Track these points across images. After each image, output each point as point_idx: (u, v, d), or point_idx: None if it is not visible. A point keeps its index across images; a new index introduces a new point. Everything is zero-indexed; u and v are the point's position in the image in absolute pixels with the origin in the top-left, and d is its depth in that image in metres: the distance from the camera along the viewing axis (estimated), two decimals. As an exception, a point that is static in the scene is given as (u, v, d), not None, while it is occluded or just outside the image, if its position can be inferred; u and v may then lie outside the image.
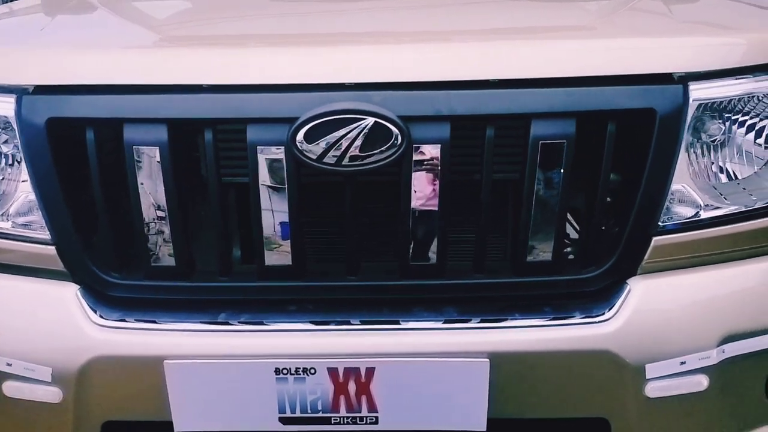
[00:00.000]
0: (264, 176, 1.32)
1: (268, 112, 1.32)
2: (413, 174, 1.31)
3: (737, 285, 1.39)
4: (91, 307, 1.39)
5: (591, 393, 1.35)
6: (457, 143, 1.34)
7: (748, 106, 1.41)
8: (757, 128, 1.41)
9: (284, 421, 1.37)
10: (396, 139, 1.29)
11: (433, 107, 1.31)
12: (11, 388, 1.38)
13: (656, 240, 1.36)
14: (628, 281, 1.38)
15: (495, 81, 1.32)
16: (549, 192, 1.33)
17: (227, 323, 1.37)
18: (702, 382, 1.34)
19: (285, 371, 1.32)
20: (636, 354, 1.32)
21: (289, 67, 1.33)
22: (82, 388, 1.35)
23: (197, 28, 1.81)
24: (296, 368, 1.32)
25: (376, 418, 1.36)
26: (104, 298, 1.41)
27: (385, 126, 1.29)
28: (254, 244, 1.36)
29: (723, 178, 1.42)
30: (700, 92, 1.34)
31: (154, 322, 1.38)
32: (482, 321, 1.34)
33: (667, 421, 1.38)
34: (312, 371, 1.32)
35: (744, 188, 1.42)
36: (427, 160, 1.31)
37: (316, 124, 1.29)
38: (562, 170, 1.32)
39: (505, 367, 1.33)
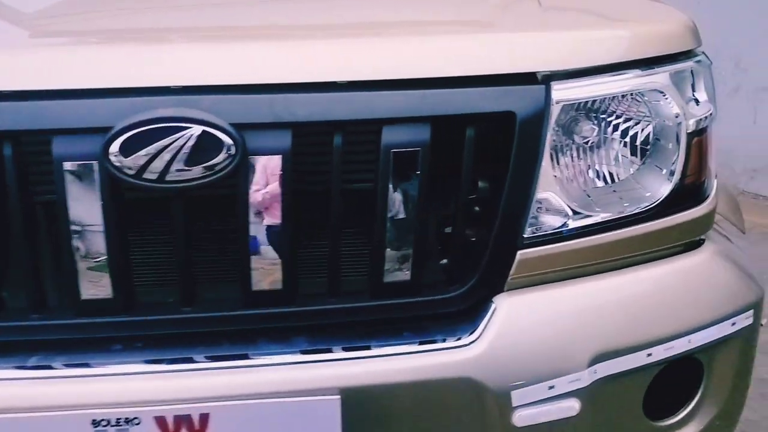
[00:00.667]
0: (74, 195, 1.14)
1: (76, 121, 1.13)
2: (251, 188, 1.16)
3: (610, 298, 1.30)
4: None
5: (455, 425, 1.24)
6: (304, 151, 1.21)
7: (620, 106, 1.33)
8: (629, 129, 1.34)
9: (110, 478, 1.19)
10: (229, 149, 1.14)
11: (272, 113, 1.15)
12: None
13: (522, 253, 1.26)
14: (494, 299, 1.27)
15: (343, 83, 1.18)
16: (404, 205, 1.21)
17: (38, 368, 1.17)
18: (573, 406, 1.24)
19: (104, 423, 1.14)
20: (501, 380, 1.21)
21: (102, 69, 1.15)
22: None
23: None
24: (117, 419, 1.13)
25: (217, 466, 1.20)
26: None
27: (215, 135, 1.14)
28: (66, 275, 1.17)
29: (597, 183, 1.33)
30: (563, 93, 1.24)
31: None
32: (332, 352, 1.20)
33: (540, 450, 1.29)
34: (135, 421, 1.14)
35: (617, 194, 1.35)
36: (267, 172, 1.17)
37: (133, 135, 1.11)
38: (417, 181, 1.21)
39: (358, 403, 1.18)
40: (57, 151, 1.12)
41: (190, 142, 1.12)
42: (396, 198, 1.20)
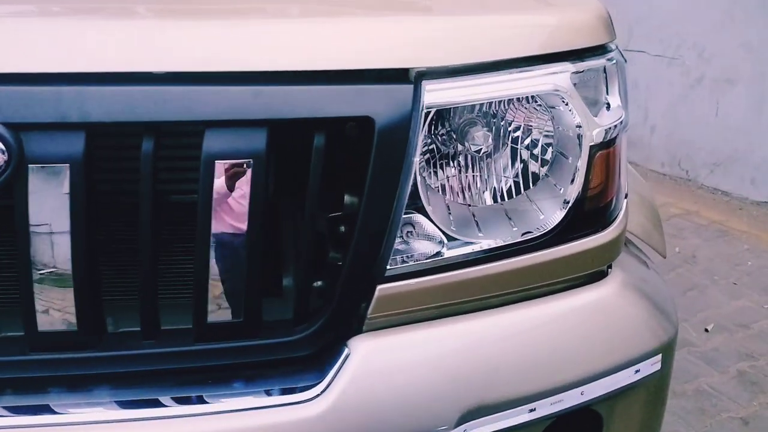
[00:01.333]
0: None
1: None
2: (31, 204, 0.93)
3: (488, 342, 1.08)
4: None
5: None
6: (106, 158, 0.98)
7: (509, 112, 1.11)
8: (521, 140, 1.13)
9: None
10: (2, 154, 0.91)
11: (58, 111, 0.92)
12: None
13: (383, 288, 1.03)
14: (350, 342, 1.05)
15: (152, 75, 0.94)
16: (232, 228, 0.99)
17: None
18: (439, 472, 1.06)
19: None
20: (349, 443, 1.01)
21: None
22: None
23: None
24: None
25: None
26: None
27: (-21, 137, 0.90)
28: None
29: (481, 203, 1.12)
30: (437, 95, 1.01)
31: None
32: (132, 409, 0.97)
33: None
34: None
35: (505, 217, 1.14)
36: (52, 185, 0.93)
37: None
38: (247, 199, 0.98)
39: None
40: None
41: (-54, 145, 0.89)
42: (222, 219, 0.98)
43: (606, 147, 1.13)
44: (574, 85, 1.09)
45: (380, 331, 1.06)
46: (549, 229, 1.10)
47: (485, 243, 1.08)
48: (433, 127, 1.04)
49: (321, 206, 1.03)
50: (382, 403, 1.02)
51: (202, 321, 1.00)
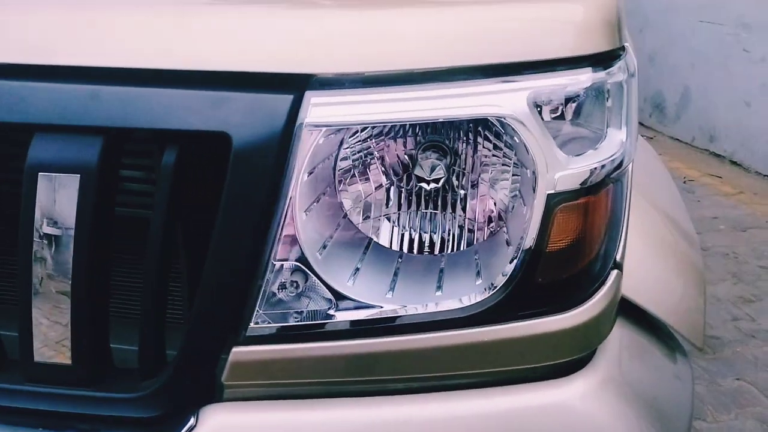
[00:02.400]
0: None
1: None
2: None
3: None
4: None
5: None
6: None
7: (444, 138, 0.84)
8: (461, 178, 0.85)
9: None
10: None
11: None
12: None
13: (241, 352, 0.80)
14: (203, 411, 0.83)
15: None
16: (57, 253, 0.82)
17: None
18: None
19: None
20: None
21: None
22: None
23: None
24: None
25: None
26: None
27: None
28: None
29: (390, 255, 0.86)
30: (326, 110, 0.76)
31: None
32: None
33: None
34: None
35: (432, 277, 0.86)
36: None
37: None
38: (76, 225, 0.80)
39: None
40: None
41: None
42: (44, 241, 0.80)
43: (580, 197, 0.81)
44: (537, 108, 0.79)
45: (245, 403, 0.84)
46: (481, 300, 0.81)
47: (391, 308, 0.82)
48: (318, 152, 0.80)
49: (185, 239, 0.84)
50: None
51: (29, 358, 0.84)
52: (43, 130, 0.77)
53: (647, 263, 1.03)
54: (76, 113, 0.77)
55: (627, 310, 1.00)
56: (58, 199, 0.78)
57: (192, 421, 0.82)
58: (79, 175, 0.77)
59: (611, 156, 0.83)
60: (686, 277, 1.08)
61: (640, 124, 5.62)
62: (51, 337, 0.83)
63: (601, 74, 0.82)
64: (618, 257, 0.88)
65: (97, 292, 0.81)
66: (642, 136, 1.65)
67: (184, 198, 0.80)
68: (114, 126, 0.77)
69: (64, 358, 0.83)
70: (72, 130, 0.77)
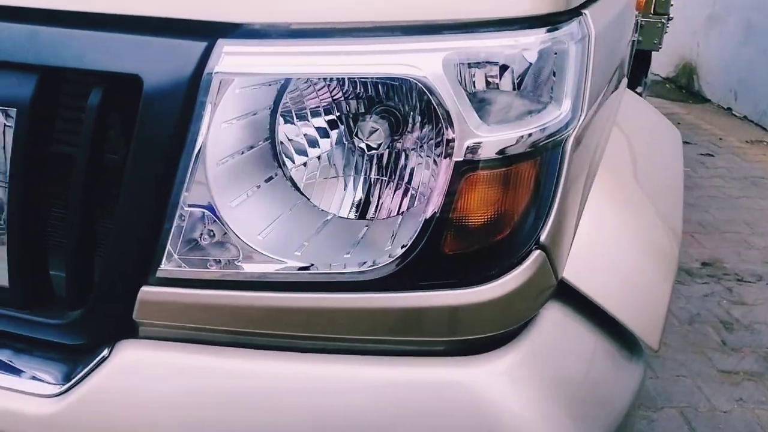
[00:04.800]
0: None
1: None
2: None
3: (278, 391, 0.80)
4: None
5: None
6: None
7: (361, 94, 0.80)
8: (378, 136, 0.80)
9: None
10: None
11: None
12: None
13: (149, 291, 0.81)
14: (118, 344, 0.85)
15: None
16: (-4, 183, 0.85)
17: None
18: None
19: None
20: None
21: None
22: None
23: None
24: None
25: None
26: None
27: None
28: None
29: (299, 211, 0.83)
30: (238, 60, 0.75)
31: None
32: None
33: None
34: None
35: (332, 235, 0.82)
36: None
37: None
38: (12, 153, 0.82)
39: None
40: None
41: None
42: (-15, 171, 0.84)
43: (495, 167, 0.75)
44: (456, 71, 0.73)
45: (157, 341, 0.85)
46: (381, 266, 0.77)
47: (296, 265, 0.80)
48: (225, 101, 0.78)
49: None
50: (118, 426, 0.81)
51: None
52: (-16, 65, 0.82)
53: (609, 250, 0.94)
54: (16, 51, 0.80)
55: (576, 298, 0.92)
56: (-3, 131, 0.83)
57: (105, 352, 0.85)
58: (15, 109, 0.81)
59: (541, 126, 0.76)
60: (655, 269, 0.98)
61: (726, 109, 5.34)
62: (-7, 261, 0.88)
63: (537, 38, 0.76)
64: (543, 237, 0.80)
65: (32, 220, 0.85)
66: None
67: (107, 138, 0.82)
68: (47, 64, 0.80)
69: (2, 280, 0.88)
70: (11, 67, 0.81)
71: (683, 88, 6.19)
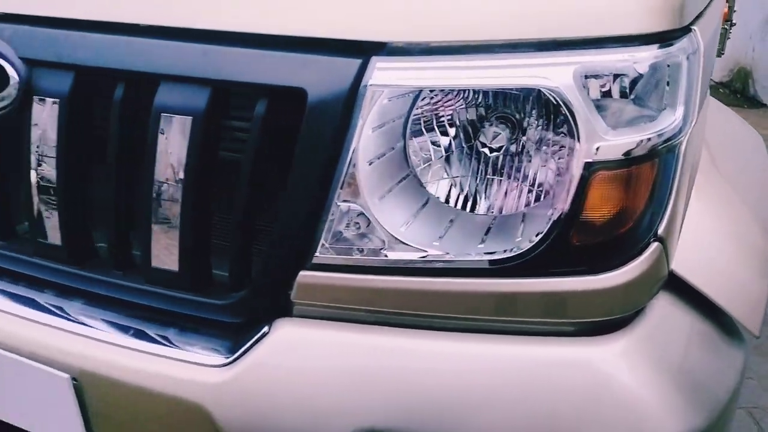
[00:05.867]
0: None
1: None
2: (32, 129, 1.02)
3: (415, 367, 0.89)
4: None
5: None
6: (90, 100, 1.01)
7: (492, 102, 0.88)
8: (509, 138, 0.88)
9: None
10: (15, 84, 1.00)
11: (56, 51, 0.99)
12: None
13: (306, 275, 0.92)
14: (276, 323, 0.96)
15: (131, 26, 0.95)
16: (171, 179, 0.96)
17: None
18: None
19: None
20: (235, 421, 0.91)
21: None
22: None
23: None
24: None
25: (-14, 404, 1.13)
26: None
27: (3, 67, 1.01)
28: None
29: (442, 206, 0.92)
30: (390, 75, 0.84)
31: None
32: (87, 322, 1.01)
33: None
34: None
35: (478, 230, 0.90)
36: (46, 115, 1.00)
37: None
38: (187, 157, 0.93)
39: (94, 391, 1.00)
40: None
41: (-24, 72, 1.02)
42: (163, 171, 0.95)
43: (620, 168, 0.82)
44: (585, 82, 0.81)
45: (308, 320, 0.95)
46: (516, 255, 0.85)
47: (436, 253, 0.88)
48: (383, 111, 0.87)
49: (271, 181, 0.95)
50: (280, 393, 0.91)
51: (147, 264, 1.00)
52: (167, 79, 0.93)
53: (711, 245, 1.00)
54: (191, 67, 0.91)
55: (682, 289, 0.99)
56: (173, 136, 0.93)
57: (266, 329, 0.96)
58: (191, 117, 0.92)
59: (659, 131, 0.83)
60: (752, 264, 1.03)
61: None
62: (165, 250, 0.99)
63: (654, 53, 0.83)
64: (661, 231, 0.87)
65: (200, 216, 0.96)
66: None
67: (270, 144, 0.92)
68: (219, 78, 0.90)
69: (173, 266, 0.99)
70: (187, 80, 0.91)
71: (738, 92, 6.10)
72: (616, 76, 0.82)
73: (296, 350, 0.93)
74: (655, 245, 0.88)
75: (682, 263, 0.95)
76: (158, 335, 1.01)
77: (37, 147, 1.02)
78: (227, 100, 0.94)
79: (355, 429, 0.88)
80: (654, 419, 0.85)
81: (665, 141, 0.84)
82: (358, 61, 0.85)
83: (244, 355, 0.94)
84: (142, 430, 1.01)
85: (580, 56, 0.82)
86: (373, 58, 0.85)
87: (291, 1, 0.87)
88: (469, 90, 0.87)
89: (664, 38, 0.85)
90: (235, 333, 0.99)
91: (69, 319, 1.04)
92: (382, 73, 0.85)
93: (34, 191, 1.04)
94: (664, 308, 0.94)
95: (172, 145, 0.94)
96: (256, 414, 0.91)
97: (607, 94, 0.82)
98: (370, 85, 0.85)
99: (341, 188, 0.88)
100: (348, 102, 0.85)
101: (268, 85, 0.88)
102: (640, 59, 0.82)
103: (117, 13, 0.95)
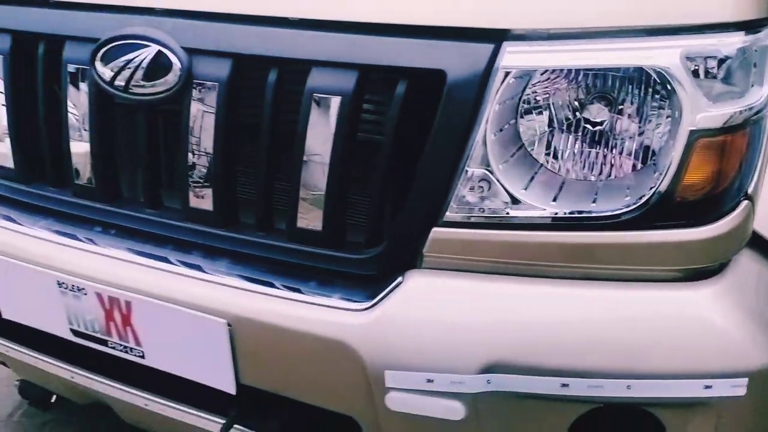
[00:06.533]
0: (74, 93, 1.26)
1: (79, 30, 1.24)
2: (192, 110, 1.15)
3: (533, 307, 1.03)
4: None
5: (332, 386, 1.12)
6: (244, 84, 1.15)
7: (603, 82, 1.00)
8: (613, 113, 1.01)
9: (74, 333, 1.33)
10: (178, 70, 1.15)
11: (215, 41, 1.13)
12: None
13: (438, 231, 1.06)
14: (407, 274, 1.09)
15: (281, 19, 1.09)
16: (320, 152, 1.09)
17: (41, 229, 1.35)
18: (456, 409, 1.03)
19: (65, 286, 1.28)
20: (378, 356, 1.05)
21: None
22: None
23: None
24: (72, 285, 1.27)
25: (143, 352, 1.27)
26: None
27: (167, 55, 1.15)
28: (62, 161, 1.31)
29: (556, 171, 1.04)
30: (517, 58, 0.98)
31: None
32: (236, 278, 1.16)
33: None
34: (84, 291, 1.26)
35: (589, 190, 1.03)
36: (207, 98, 1.15)
37: (110, 48, 1.19)
38: (336, 129, 1.07)
39: (247, 334, 1.14)
40: (66, 54, 1.26)
41: (147, 60, 1.16)
42: (313, 144, 1.09)
43: (717, 135, 0.95)
44: (687, 62, 0.94)
45: (436, 271, 1.09)
46: (625, 210, 0.98)
47: (552, 211, 1.01)
48: (509, 90, 1.00)
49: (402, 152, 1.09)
50: (414, 331, 1.05)
51: (293, 225, 1.14)
52: (319, 64, 1.07)
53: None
54: (340, 54, 1.05)
55: (760, 245, 1.11)
56: (323, 114, 1.07)
57: (400, 279, 1.09)
58: (340, 97, 1.05)
59: (749, 105, 0.96)
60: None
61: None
62: (310, 213, 1.13)
63: (743, 39, 0.96)
64: (750, 190, 1.00)
65: (343, 185, 1.10)
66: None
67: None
68: (367, 63, 1.04)
69: (318, 226, 1.13)
70: (340, 66, 1.05)
71: None
72: (712, 58, 0.95)
73: (429, 296, 1.07)
74: (745, 203, 1.01)
75: (761, 220, 1.08)
76: (301, 287, 1.15)
77: (195, 125, 1.16)
78: (366, 83, 1.08)
79: (483, 362, 1.02)
80: (740, 350, 0.98)
81: (754, 113, 0.97)
82: (491, 46, 0.99)
83: (382, 300, 1.08)
84: (286, 366, 1.15)
85: (684, 41, 0.95)
86: (505, 44, 0.98)
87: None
88: (580, 70, 1.00)
89: (752, 26, 0.98)
90: (368, 284, 1.13)
91: (222, 274, 1.18)
92: (512, 56, 0.98)
93: (190, 165, 1.19)
94: (747, 261, 1.07)
95: (321, 121, 1.08)
96: (395, 348, 1.05)
97: (705, 73, 0.96)
98: (502, 66, 0.99)
99: (472, 156, 1.02)
100: (482, 81, 0.99)
101: (411, 68, 1.02)
102: (732, 43, 0.96)
103: (271, 7, 1.09)
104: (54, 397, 1.84)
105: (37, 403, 1.89)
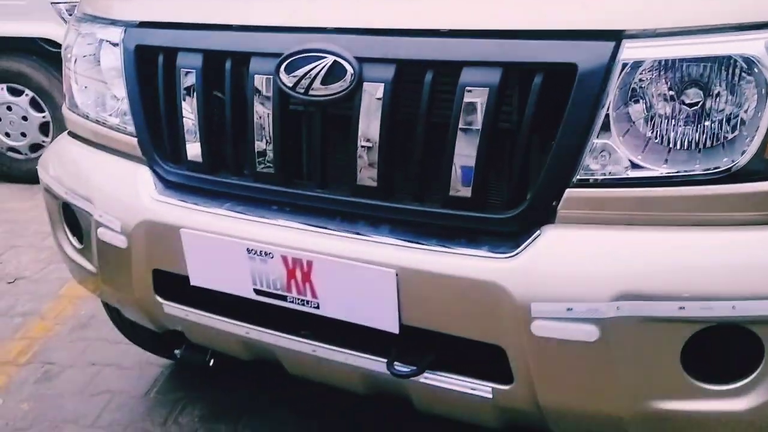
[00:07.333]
0: (259, 99, 1.55)
1: (263, 47, 1.54)
2: (362, 108, 1.43)
3: (652, 247, 1.28)
4: (154, 185, 1.76)
5: (484, 320, 1.38)
6: (407, 85, 1.43)
7: (703, 70, 1.25)
8: (710, 97, 1.25)
9: (257, 292, 1.61)
10: (351, 76, 1.42)
11: (381, 51, 1.41)
12: (101, 234, 1.82)
13: (571, 191, 1.32)
14: (543, 228, 1.35)
15: (437, 30, 1.37)
16: (471, 136, 1.36)
17: (227, 210, 1.64)
18: (591, 332, 1.28)
19: (253, 252, 1.56)
20: (524, 291, 1.31)
21: (277, 10, 1.55)
22: (136, 240, 1.74)
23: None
24: (260, 251, 1.55)
25: (318, 304, 1.54)
26: (162, 180, 1.77)
27: (342, 64, 1.43)
28: (248, 153, 1.60)
29: (664, 142, 1.27)
30: (634, 52, 1.25)
31: (184, 201, 1.70)
32: (398, 238, 1.44)
33: (561, 363, 1.35)
34: (271, 255, 1.54)
35: (687, 153, 1.28)
36: (375, 96, 1.42)
37: (292, 60, 1.49)
38: (484, 115, 1.33)
39: (411, 281, 1.41)
40: (253, 67, 1.55)
41: (325, 69, 1.44)
42: (464, 128, 1.35)
43: (797, 105, 1.19)
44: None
45: (568, 224, 1.34)
46: (723, 169, 1.23)
47: (663, 171, 1.26)
48: (625, 79, 1.25)
49: (538, 132, 1.35)
50: (553, 271, 1.31)
51: (446, 193, 1.41)
52: (469, 64, 1.34)
53: None
54: (490, 54, 1.31)
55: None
56: (473, 103, 1.33)
57: (538, 232, 1.35)
58: (488, 89, 1.32)
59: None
60: None
61: None
62: (459, 184, 1.39)
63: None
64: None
65: (488, 158, 1.36)
66: None
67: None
68: (512, 61, 1.30)
69: (467, 194, 1.39)
70: (487, 64, 1.32)
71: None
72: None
73: (564, 243, 1.33)
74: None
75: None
76: (455, 242, 1.41)
77: (363, 118, 1.44)
78: (507, 78, 1.34)
79: (614, 292, 1.26)
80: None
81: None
82: (612, 43, 1.25)
83: (525, 249, 1.34)
84: (443, 307, 1.41)
85: (765, 34, 1.19)
86: (624, 41, 1.24)
87: (562, 6, 1.28)
88: (682, 60, 1.25)
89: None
90: (508, 238, 1.39)
91: (388, 236, 1.46)
92: (629, 50, 1.25)
93: (360, 150, 1.46)
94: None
95: (472, 110, 1.34)
96: (539, 285, 1.31)
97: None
98: (622, 59, 1.25)
99: (597, 130, 1.28)
100: (606, 71, 1.25)
101: (548, 63, 1.28)
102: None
103: (427, 21, 1.37)
104: (212, 361, 2.11)
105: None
